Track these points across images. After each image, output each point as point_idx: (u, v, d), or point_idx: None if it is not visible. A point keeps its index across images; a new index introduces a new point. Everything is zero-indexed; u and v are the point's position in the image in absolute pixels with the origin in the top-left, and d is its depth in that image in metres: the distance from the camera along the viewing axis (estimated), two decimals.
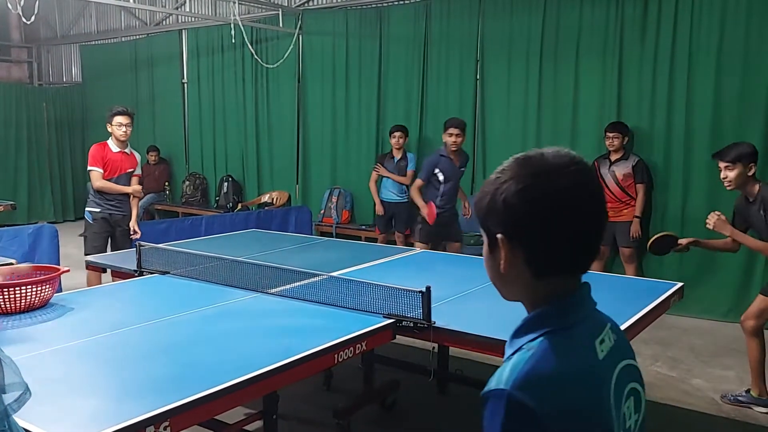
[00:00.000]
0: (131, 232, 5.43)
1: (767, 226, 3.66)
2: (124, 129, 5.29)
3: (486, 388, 0.97)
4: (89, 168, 5.36)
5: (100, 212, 5.33)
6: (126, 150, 5.42)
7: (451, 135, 5.46)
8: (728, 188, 3.76)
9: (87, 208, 5.42)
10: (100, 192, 5.32)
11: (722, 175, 3.71)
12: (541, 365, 0.95)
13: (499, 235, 1.02)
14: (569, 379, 0.96)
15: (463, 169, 5.65)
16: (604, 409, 0.99)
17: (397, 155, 6.80)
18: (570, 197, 0.98)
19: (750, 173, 3.66)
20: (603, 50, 6.16)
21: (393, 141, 6.76)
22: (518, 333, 1.04)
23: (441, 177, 5.44)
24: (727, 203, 5.63)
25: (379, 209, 6.88)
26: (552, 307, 1.02)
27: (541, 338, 1.00)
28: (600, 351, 1.03)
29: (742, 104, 5.47)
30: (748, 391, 3.92)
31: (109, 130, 5.36)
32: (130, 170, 5.44)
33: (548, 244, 0.99)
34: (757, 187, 3.70)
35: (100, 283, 4.65)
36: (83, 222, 5.49)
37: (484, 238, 1.08)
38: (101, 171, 5.30)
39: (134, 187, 5.45)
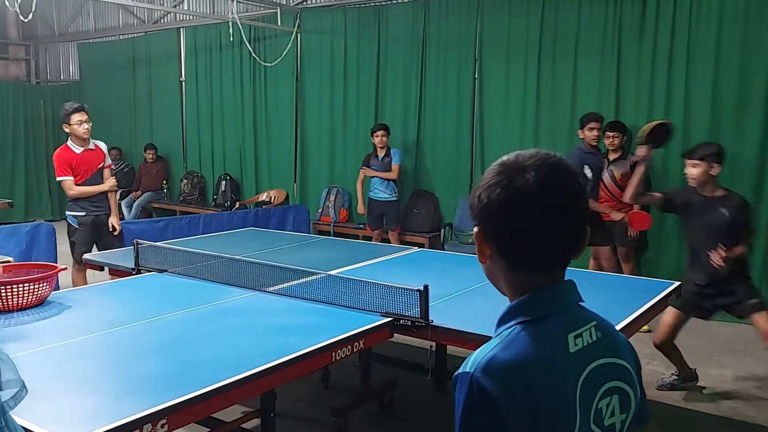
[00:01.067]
0: (110, 229, 5.26)
1: (729, 229, 3.75)
2: (85, 126, 5.06)
3: (456, 372, 1.04)
4: (59, 178, 5.12)
5: (85, 215, 5.15)
6: (90, 146, 5.19)
7: (591, 129, 5.50)
8: (691, 185, 3.91)
9: (70, 212, 5.22)
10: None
11: (686, 171, 3.91)
12: (504, 352, 1.02)
13: (475, 228, 1.11)
14: (528, 366, 1.01)
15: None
16: (565, 400, 1.03)
17: (381, 153, 6.87)
18: (535, 196, 1.04)
19: (712, 172, 3.79)
20: (601, 49, 6.16)
21: (376, 140, 6.84)
22: (499, 323, 1.10)
23: (589, 174, 5.40)
24: None
25: (361, 209, 7.01)
26: (526, 298, 1.08)
27: (512, 328, 1.06)
28: (573, 345, 1.07)
29: (740, 103, 5.48)
30: (678, 375, 4.11)
31: (67, 130, 5.09)
32: (100, 165, 5.24)
33: (515, 238, 1.07)
34: (720, 190, 3.85)
35: (86, 284, 4.63)
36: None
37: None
38: (72, 179, 5.08)
39: (109, 182, 5.26)
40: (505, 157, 1.10)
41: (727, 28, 5.51)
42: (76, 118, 5.05)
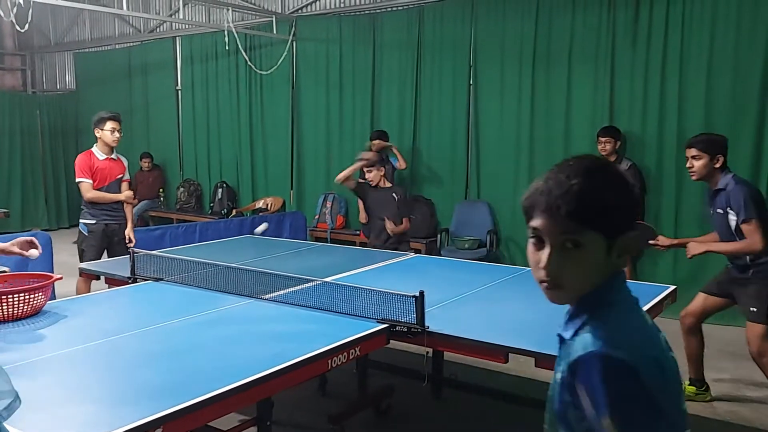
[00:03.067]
0: (126, 240, 5.32)
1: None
2: (116, 135, 5.16)
3: (574, 357, 1.04)
4: (78, 180, 5.19)
5: (95, 223, 5.18)
6: (113, 156, 5.26)
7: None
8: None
9: (82, 220, 5.26)
10: (92, 202, 5.19)
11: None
12: (621, 327, 1.06)
13: (598, 236, 1.09)
14: (644, 337, 1.08)
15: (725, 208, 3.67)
16: (675, 372, 1.10)
17: None
18: (631, 188, 1.16)
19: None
20: (595, 55, 6.20)
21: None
22: (582, 306, 1.11)
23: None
24: None
25: (363, 217, 6.92)
26: (610, 284, 1.12)
27: (605, 310, 1.09)
28: (648, 318, 1.15)
29: (733, 108, 5.51)
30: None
31: (98, 135, 5.18)
32: (119, 176, 5.31)
33: (628, 228, 1.13)
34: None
35: (90, 292, 4.62)
36: (77, 230, 5.40)
37: (561, 239, 1.09)
38: (90, 182, 5.14)
39: (126, 193, 5.33)
40: (586, 162, 1.13)
41: (719, 34, 5.54)
42: (110, 124, 5.14)
